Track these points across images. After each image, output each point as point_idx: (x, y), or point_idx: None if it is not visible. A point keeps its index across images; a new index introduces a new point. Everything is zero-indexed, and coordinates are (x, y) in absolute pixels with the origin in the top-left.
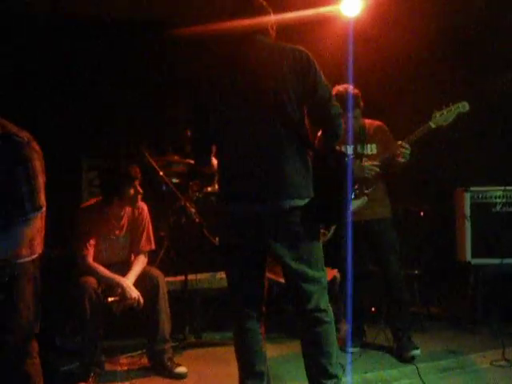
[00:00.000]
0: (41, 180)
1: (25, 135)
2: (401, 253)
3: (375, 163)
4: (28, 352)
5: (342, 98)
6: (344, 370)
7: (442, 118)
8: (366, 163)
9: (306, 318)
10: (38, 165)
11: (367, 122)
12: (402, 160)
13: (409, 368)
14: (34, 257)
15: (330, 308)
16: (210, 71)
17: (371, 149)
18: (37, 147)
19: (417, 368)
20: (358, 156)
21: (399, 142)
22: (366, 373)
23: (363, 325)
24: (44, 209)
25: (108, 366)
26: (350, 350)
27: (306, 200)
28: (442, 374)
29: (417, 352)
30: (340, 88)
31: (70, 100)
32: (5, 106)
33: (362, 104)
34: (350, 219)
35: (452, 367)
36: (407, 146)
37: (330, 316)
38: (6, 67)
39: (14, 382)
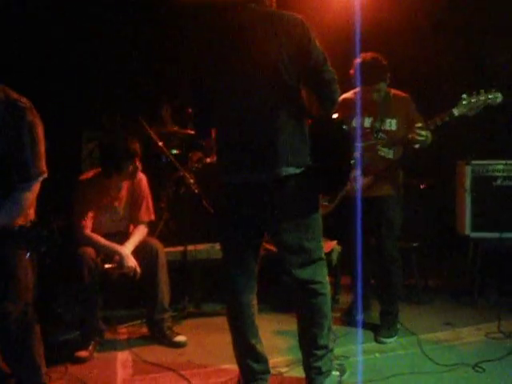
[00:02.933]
0: (43, 146)
1: (26, 101)
2: (407, 232)
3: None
4: (28, 319)
5: (367, 66)
6: (335, 342)
7: (469, 106)
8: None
9: (301, 289)
10: (40, 130)
11: (393, 93)
12: (415, 146)
13: (406, 339)
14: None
15: (327, 280)
16: (204, 40)
17: (390, 124)
18: (37, 113)
19: (417, 338)
20: (376, 131)
21: (417, 125)
22: (363, 343)
23: (368, 296)
24: (45, 175)
25: (108, 335)
26: (359, 317)
27: (302, 168)
28: (438, 346)
29: (388, 340)
30: (366, 56)
31: (70, 73)
32: (6, 78)
33: (388, 76)
34: (359, 193)
35: (448, 339)
36: (423, 132)
37: (325, 288)
38: (8, 40)
39: (15, 349)
